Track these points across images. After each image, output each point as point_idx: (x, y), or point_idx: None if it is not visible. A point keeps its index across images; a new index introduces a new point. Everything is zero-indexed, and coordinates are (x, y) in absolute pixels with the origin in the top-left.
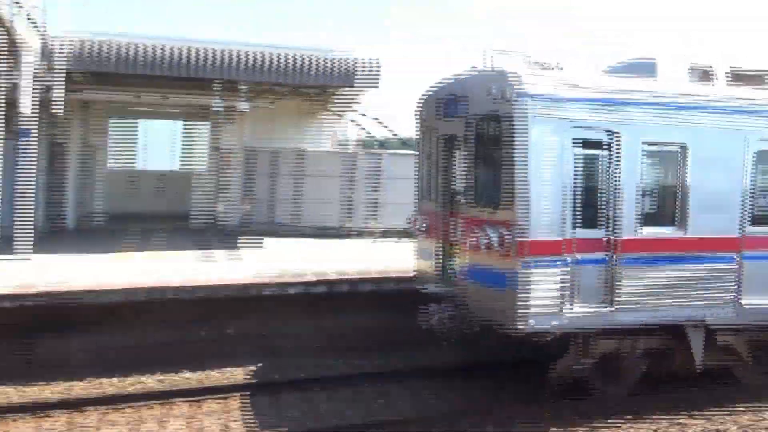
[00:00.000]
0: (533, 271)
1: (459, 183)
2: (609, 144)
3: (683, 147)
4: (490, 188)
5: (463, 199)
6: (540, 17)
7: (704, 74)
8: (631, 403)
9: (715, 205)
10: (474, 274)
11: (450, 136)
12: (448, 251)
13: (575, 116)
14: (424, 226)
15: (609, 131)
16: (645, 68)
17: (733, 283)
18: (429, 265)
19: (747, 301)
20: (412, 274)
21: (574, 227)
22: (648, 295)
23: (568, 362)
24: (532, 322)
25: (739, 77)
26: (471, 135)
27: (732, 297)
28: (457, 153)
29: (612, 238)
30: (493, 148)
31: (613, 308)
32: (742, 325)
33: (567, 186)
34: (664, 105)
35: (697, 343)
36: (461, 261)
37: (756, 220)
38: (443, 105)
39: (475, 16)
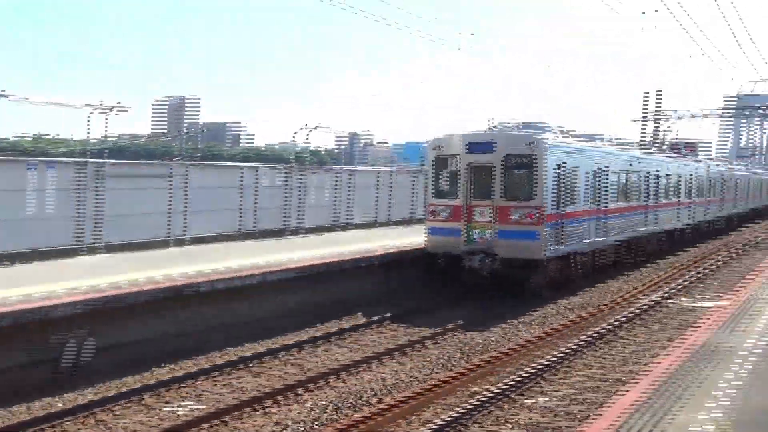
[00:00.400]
0: (547, 229)
1: (478, 188)
2: (561, 167)
3: (578, 167)
4: (514, 191)
5: (496, 197)
6: (540, 17)
7: (561, 132)
8: (557, 293)
9: (582, 194)
10: (504, 234)
11: (471, 162)
12: (470, 227)
13: (556, 156)
14: (445, 214)
15: (563, 161)
16: (540, 127)
17: (586, 231)
18: (448, 239)
19: (588, 240)
20: (424, 246)
21: (554, 207)
22: (570, 238)
23: (536, 279)
24: (545, 254)
25: (567, 133)
26: (500, 163)
27: (585, 238)
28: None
29: (562, 212)
30: (517, 170)
31: (562, 246)
32: (587, 250)
33: (554, 188)
34: (574, 149)
35: (576, 261)
36: (487, 230)
37: (590, 202)
38: (468, 145)
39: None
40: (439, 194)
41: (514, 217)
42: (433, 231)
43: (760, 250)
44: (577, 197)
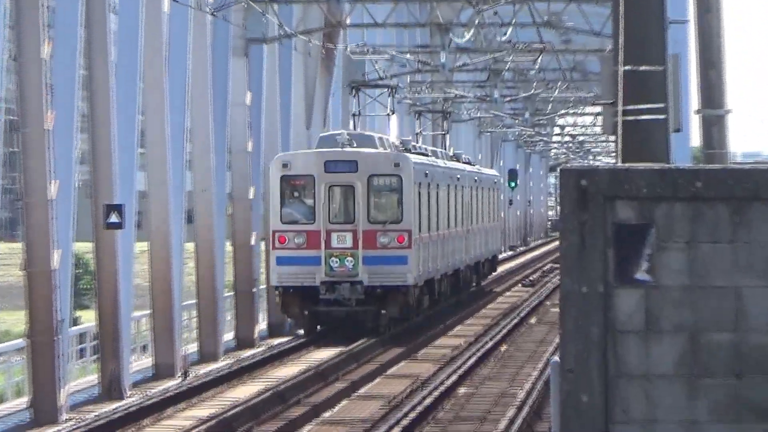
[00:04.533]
0: (416, 253)
1: (337, 211)
2: (421, 185)
3: (439, 187)
4: (380, 213)
5: (359, 220)
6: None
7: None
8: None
9: (444, 215)
10: (371, 260)
11: (329, 183)
12: (329, 254)
13: (418, 175)
14: (299, 241)
15: (423, 180)
16: (369, 139)
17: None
18: (302, 270)
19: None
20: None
21: (422, 229)
22: (436, 261)
23: (393, 309)
24: (414, 278)
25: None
26: (364, 184)
27: (447, 259)
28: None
29: (426, 234)
30: (383, 191)
31: (432, 265)
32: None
33: (420, 207)
34: (435, 167)
35: (438, 286)
36: (348, 257)
37: (454, 223)
38: (326, 164)
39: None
40: (287, 218)
41: (382, 240)
42: (281, 261)
43: None
44: (440, 218)
